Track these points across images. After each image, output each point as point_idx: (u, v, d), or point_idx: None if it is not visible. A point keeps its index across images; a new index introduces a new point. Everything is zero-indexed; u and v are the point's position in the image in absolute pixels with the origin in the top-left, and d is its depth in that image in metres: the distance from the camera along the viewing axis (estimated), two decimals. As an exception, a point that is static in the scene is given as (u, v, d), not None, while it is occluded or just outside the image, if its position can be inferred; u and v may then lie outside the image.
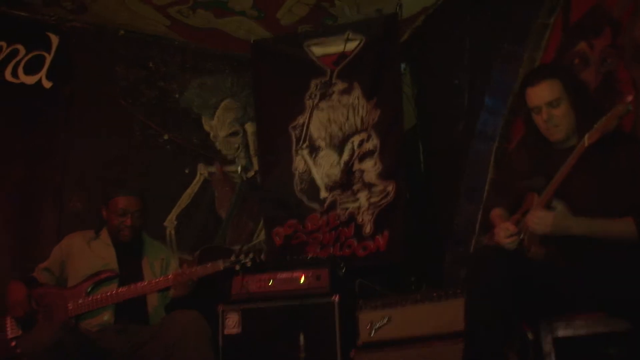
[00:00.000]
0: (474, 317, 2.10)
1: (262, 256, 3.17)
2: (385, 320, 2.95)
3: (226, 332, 3.40)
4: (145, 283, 3.06)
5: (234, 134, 4.66)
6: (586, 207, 2.21)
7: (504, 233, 2.42)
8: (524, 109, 2.49)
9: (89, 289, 3.02)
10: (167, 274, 3.15)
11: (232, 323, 3.43)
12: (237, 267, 3.09)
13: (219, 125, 4.63)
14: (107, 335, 2.93)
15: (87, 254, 3.13)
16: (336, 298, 3.29)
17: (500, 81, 3.61)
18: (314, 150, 4.28)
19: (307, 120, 4.33)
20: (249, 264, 3.09)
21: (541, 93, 2.37)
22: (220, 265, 3.08)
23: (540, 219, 2.18)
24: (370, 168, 4.08)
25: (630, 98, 1.92)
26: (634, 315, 2.07)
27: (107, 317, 3.00)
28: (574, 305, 2.20)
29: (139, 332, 2.97)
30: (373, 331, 2.95)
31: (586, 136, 2.08)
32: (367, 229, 3.95)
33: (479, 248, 2.36)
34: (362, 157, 4.12)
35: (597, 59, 3.07)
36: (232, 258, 3.09)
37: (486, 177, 3.68)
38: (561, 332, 2.19)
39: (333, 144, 4.25)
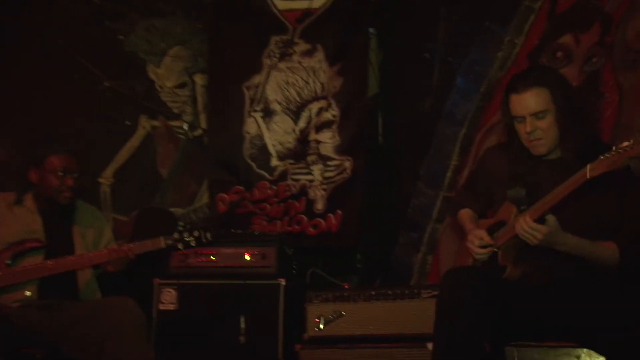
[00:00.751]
0: (445, 338, 1.93)
1: (209, 235, 2.89)
2: (336, 315, 2.76)
3: (161, 307, 3.17)
4: (76, 257, 2.75)
5: (181, 85, 4.26)
6: (572, 226, 2.06)
7: (478, 242, 2.27)
8: (505, 114, 2.28)
9: (9, 260, 2.68)
10: (100, 247, 2.84)
11: (168, 298, 3.18)
12: (180, 246, 2.81)
13: (166, 74, 4.22)
14: (29, 313, 2.62)
15: (8, 219, 2.77)
16: (282, 281, 3.10)
17: (476, 62, 3.39)
18: (268, 113, 3.96)
19: (263, 81, 3.99)
20: (193, 244, 2.83)
21: (527, 102, 2.16)
22: (162, 242, 2.80)
23: (533, 230, 2.02)
24: (327, 139, 3.81)
25: None
26: (604, 351, 1.96)
27: (29, 292, 2.68)
28: (543, 332, 2.08)
29: (67, 310, 2.67)
30: (322, 325, 2.76)
31: (588, 167, 1.88)
32: (320, 205, 3.72)
33: (453, 269, 2.18)
34: (320, 127, 3.84)
35: (582, 55, 2.90)
36: (175, 235, 2.81)
37: (449, 164, 3.49)
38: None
39: (289, 109, 3.94)
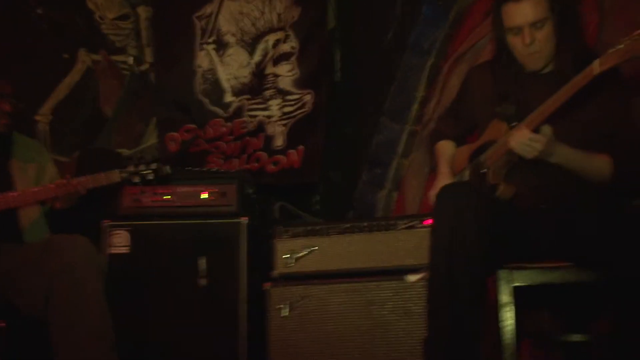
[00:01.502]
0: (444, 256, 1.79)
1: (168, 168, 2.62)
2: (307, 251, 2.56)
3: (112, 251, 2.89)
4: (19, 193, 2.43)
5: (124, 17, 3.89)
6: (564, 140, 1.92)
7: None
8: (497, 27, 2.10)
9: None
10: (43, 183, 2.53)
11: (119, 241, 2.91)
12: (137, 180, 2.53)
13: (107, 4, 3.83)
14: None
15: None
16: (245, 219, 2.88)
17: (443, -9, 3.20)
18: (221, 46, 3.66)
19: (215, 11, 3.68)
20: (151, 177, 2.55)
21: (525, 11, 1.98)
22: (116, 175, 2.52)
23: (531, 141, 1.87)
24: (285, 73, 3.56)
25: None
26: (598, 267, 1.86)
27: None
28: (538, 253, 1.95)
29: (9, 252, 2.36)
30: (293, 261, 2.57)
31: (597, 61, 1.72)
32: (279, 141, 3.49)
33: (449, 185, 2.01)
34: (278, 60, 3.58)
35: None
36: (131, 168, 2.53)
37: (416, 96, 3.32)
38: (519, 282, 1.93)
39: (244, 41, 3.66)
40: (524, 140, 1.87)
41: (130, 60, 3.77)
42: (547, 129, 1.88)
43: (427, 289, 1.86)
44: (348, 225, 2.59)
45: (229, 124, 3.60)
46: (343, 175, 3.58)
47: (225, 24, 3.66)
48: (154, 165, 2.58)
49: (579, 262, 1.91)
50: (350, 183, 3.55)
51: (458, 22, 3.16)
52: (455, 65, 3.15)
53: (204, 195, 2.97)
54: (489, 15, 2.90)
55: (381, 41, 3.51)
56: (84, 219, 2.76)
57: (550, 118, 1.88)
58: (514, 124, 1.97)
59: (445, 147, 2.40)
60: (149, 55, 3.83)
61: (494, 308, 1.95)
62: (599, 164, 1.96)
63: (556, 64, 2.06)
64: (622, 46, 1.64)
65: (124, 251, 2.89)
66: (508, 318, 1.89)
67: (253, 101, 3.60)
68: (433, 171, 3.17)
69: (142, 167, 2.55)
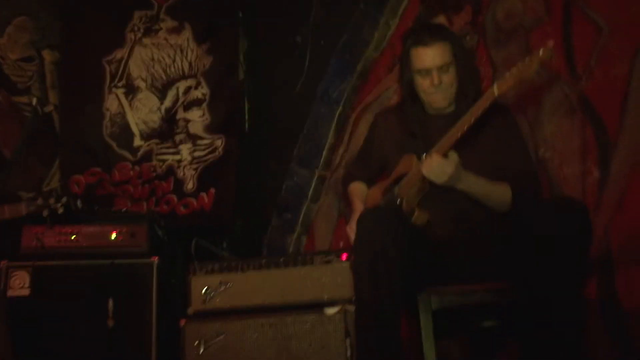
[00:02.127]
0: (369, 279, 1.83)
1: (79, 202, 2.52)
2: (222, 287, 2.52)
3: (10, 294, 2.70)
4: None
5: (28, 59, 3.76)
6: (470, 168, 2.07)
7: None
8: (405, 70, 2.26)
9: None
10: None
11: (19, 283, 2.73)
12: (45, 214, 2.41)
13: (10, 45, 3.70)
14: None
15: None
16: (155, 259, 2.81)
17: (351, 43, 3.37)
18: (131, 90, 3.63)
19: (126, 56, 3.66)
20: (59, 211, 2.45)
21: (433, 55, 2.16)
22: (22, 209, 2.39)
23: (441, 165, 1.99)
24: (197, 118, 3.58)
25: (552, 44, 1.79)
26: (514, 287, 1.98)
27: None
28: (454, 276, 2.04)
29: None
30: (208, 298, 2.51)
31: (495, 85, 1.90)
32: (190, 185, 3.46)
33: (369, 210, 2.08)
34: (189, 106, 3.60)
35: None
36: (39, 201, 2.40)
37: (325, 143, 3.42)
38: (436, 305, 2.00)
39: (155, 87, 3.65)
40: (434, 164, 2.00)
41: (34, 101, 3.62)
42: (454, 155, 2.01)
43: (355, 313, 1.89)
44: (263, 260, 2.58)
45: (137, 167, 3.53)
46: (252, 220, 3.59)
47: (135, 69, 3.65)
48: (64, 200, 2.47)
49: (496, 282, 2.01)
50: (259, 228, 3.56)
51: (365, 74, 3.32)
52: (363, 114, 3.29)
53: (113, 235, 2.88)
54: (392, 69, 3.21)
55: (290, 91, 3.64)
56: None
57: (457, 143, 2.02)
58: (424, 154, 2.10)
59: (358, 187, 2.49)
60: (53, 97, 3.71)
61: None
62: (500, 192, 2.10)
63: (457, 105, 2.23)
64: (515, 70, 1.83)
65: (24, 293, 2.71)
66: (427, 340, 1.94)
67: (162, 145, 3.57)
68: (342, 215, 3.32)
69: (51, 200, 2.44)
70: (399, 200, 2.15)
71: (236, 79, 3.69)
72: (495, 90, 1.90)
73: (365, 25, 3.32)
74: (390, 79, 3.20)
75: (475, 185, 2.07)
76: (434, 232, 2.10)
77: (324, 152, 3.44)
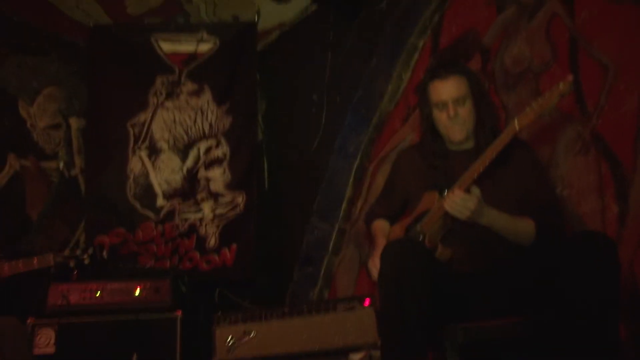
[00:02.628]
0: (396, 312, 1.84)
1: (104, 253, 2.57)
2: (247, 337, 2.52)
3: (36, 351, 2.71)
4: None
5: (55, 126, 3.93)
6: (492, 203, 2.09)
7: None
8: (424, 105, 2.34)
9: None
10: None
11: (44, 341, 2.75)
12: (72, 264, 2.47)
13: (39, 113, 3.88)
14: None
15: None
16: (179, 313, 2.83)
17: (366, 97, 3.48)
18: (154, 152, 3.75)
19: (149, 118, 3.80)
20: (86, 261, 2.51)
21: (449, 88, 2.24)
22: (50, 259, 2.44)
23: (464, 201, 2.01)
24: (218, 177, 3.67)
25: (570, 77, 1.83)
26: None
27: None
28: (477, 312, 2.03)
29: None
30: (233, 348, 2.51)
31: (516, 119, 1.95)
32: (212, 242, 3.51)
33: (394, 242, 2.09)
34: (209, 165, 3.70)
35: (467, 82, 3.08)
36: (66, 252, 2.46)
37: (344, 196, 3.48)
38: (463, 338, 1.98)
39: (177, 148, 3.77)
40: (457, 200, 2.02)
41: (61, 165, 3.75)
42: (476, 190, 2.04)
43: (380, 339, 1.88)
44: (286, 309, 2.59)
45: (160, 226, 3.60)
46: (274, 275, 3.61)
47: (158, 131, 3.78)
48: (90, 250, 2.52)
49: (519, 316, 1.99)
50: (281, 283, 3.57)
51: (380, 126, 3.41)
52: (380, 165, 3.36)
53: (137, 291, 2.91)
54: (407, 120, 3.29)
55: (308, 147, 3.73)
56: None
57: (479, 179, 2.05)
58: (446, 191, 2.13)
59: (381, 225, 2.50)
60: (79, 162, 3.84)
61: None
62: (523, 226, 2.10)
63: (476, 140, 2.27)
64: (535, 104, 1.87)
65: (49, 351, 2.73)
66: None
67: (185, 204, 3.64)
68: (364, 266, 3.32)
69: (77, 251, 2.49)
70: (421, 236, 2.17)
71: (255, 137, 3.79)
72: (517, 124, 1.95)
73: (379, 79, 3.43)
74: (406, 130, 3.28)
75: (498, 220, 2.07)
76: (457, 268, 2.10)
77: (343, 205, 3.49)
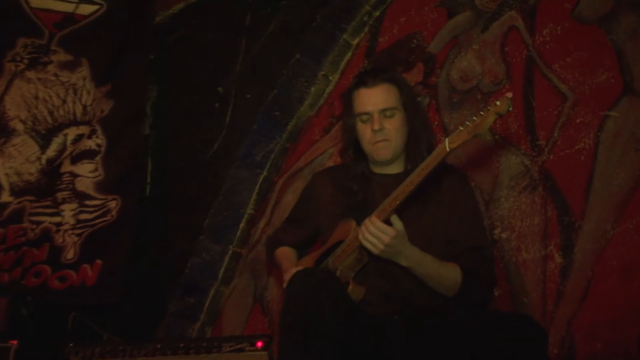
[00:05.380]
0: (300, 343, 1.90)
1: None
2: (105, 376, 2.48)
3: None
4: None
5: None
6: (417, 236, 2.18)
7: None
8: (347, 115, 2.43)
9: None
10: None
11: None
12: None
13: None
14: None
15: None
16: (14, 343, 2.75)
17: (283, 98, 3.54)
18: (5, 133, 3.62)
19: (2, 90, 3.67)
20: None
21: (376, 97, 2.33)
22: None
23: (379, 230, 2.06)
24: (87, 174, 3.59)
25: (510, 95, 1.95)
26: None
27: None
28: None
29: None
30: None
31: (447, 140, 2.03)
32: (70, 254, 3.42)
33: (302, 270, 2.13)
34: (78, 158, 3.61)
35: (404, 95, 3.21)
36: None
37: (243, 214, 3.50)
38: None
39: (36, 131, 3.66)
40: (371, 229, 2.07)
41: None
42: (398, 223, 2.08)
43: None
44: (159, 345, 2.57)
45: (1, 229, 3.48)
46: (146, 303, 3.56)
47: (13, 107, 3.66)
48: None
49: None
50: (154, 313, 3.52)
51: (296, 135, 3.48)
52: (291, 181, 3.43)
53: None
54: (330, 131, 3.38)
55: (205, 151, 3.72)
56: None
57: (402, 208, 2.12)
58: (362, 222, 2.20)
59: (287, 251, 2.56)
60: None
61: None
62: (448, 274, 2.19)
63: (405, 164, 2.38)
64: (469, 124, 1.98)
65: None
66: None
67: (39, 204, 3.54)
68: (258, 301, 3.36)
69: None
70: (333, 271, 2.23)
71: (141, 130, 3.74)
72: (447, 145, 2.03)
73: (301, 78, 3.50)
74: (326, 142, 3.37)
75: (420, 264, 2.15)
76: (369, 310, 2.18)
77: (241, 225, 3.50)
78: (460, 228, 2.27)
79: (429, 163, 2.06)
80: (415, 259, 2.14)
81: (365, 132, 2.35)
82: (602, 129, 2.54)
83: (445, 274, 2.19)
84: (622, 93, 2.55)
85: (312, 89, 3.47)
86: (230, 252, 3.49)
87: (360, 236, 2.13)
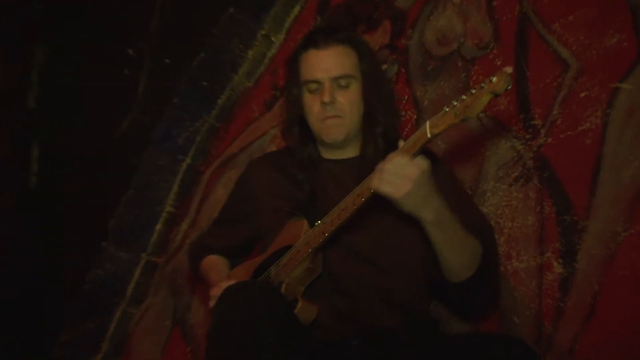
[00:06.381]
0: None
1: None
2: None
3: None
4: None
5: None
6: (390, 239, 2.28)
7: None
8: (292, 84, 2.48)
9: None
10: None
11: None
12: None
13: None
14: None
15: None
16: None
17: (212, 64, 3.58)
18: None
19: None
20: None
21: (328, 61, 2.38)
22: None
23: (404, 166, 2.02)
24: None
25: (509, 70, 1.96)
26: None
27: None
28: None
29: None
30: None
31: (428, 123, 2.01)
32: None
33: (237, 284, 2.16)
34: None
35: (366, 62, 3.25)
36: None
37: (160, 213, 3.54)
38: None
39: None
40: (394, 162, 2.01)
41: None
42: (422, 160, 2.04)
43: None
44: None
45: None
46: (29, 329, 3.55)
47: None
48: None
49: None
50: (41, 344, 3.52)
51: (229, 111, 3.52)
52: (222, 172, 3.47)
53: None
54: (272, 106, 3.41)
55: (110, 131, 3.72)
56: None
57: (372, 203, 2.12)
58: (318, 222, 2.24)
59: (217, 261, 2.60)
60: None
61: None
62: (472, 240, 2.21)
63: (363, 148, 2.42)
64: (456, 104, 1.97)
65: None
66: None
67: None
68: (178, 324, 3.37)
69: None
70: (277, 284, 2.28)
71: (22, 105, 3.73)
72: (428, 130, 2.03)
73: (235, 39, 3.53)
74: (268, 120, 3.42)
75: (448, 219, 2.12)
76: (321, 336, 2.23)
77: (157, 227, 3.55)
78: (458, 210, 2.25)
79: (405, 150, 2.06)
80: (442, 211, 2.12)
81: (312, 106, 2.39)
82: (612, 105, 2.57)
83: (469, 241, 2.21)
84: (636, 60, 2.59)
85: (250, 52, 3.50)
86: (142, 261, 3.53)
87: (374, 181, 2.06)
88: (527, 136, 2.74)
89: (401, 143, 2.07)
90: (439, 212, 2.10)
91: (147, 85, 3.73)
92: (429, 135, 2.02)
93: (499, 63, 2.81)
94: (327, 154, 2.47)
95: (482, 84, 1.95)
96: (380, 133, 2.41)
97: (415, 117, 3.03)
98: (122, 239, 3.59)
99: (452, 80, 2.96)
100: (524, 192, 2.72)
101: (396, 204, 2.05)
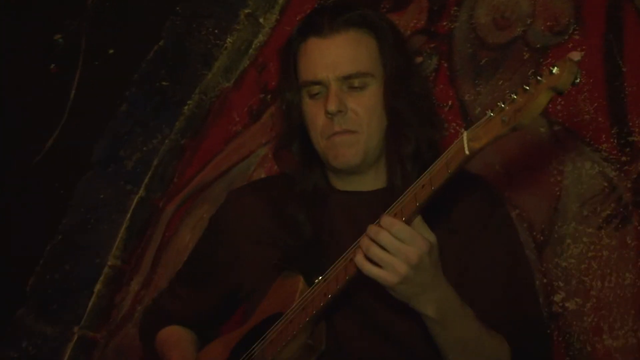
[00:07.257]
0: None
1: None
2: None
3: None
4: None
5: None
6: None
7: None
8: (287, 85, 2.43)
9: None
10: None
11: None
12: None
13: None
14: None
15: None
16: None
17: (175, 57, 3.59)
18: None
19: None
20: None
21: (335, 54, 2.34)
22: None
23: (402, 239, 1.97)
24: None
25: (576, 56, 1.89)
26: None
27: None
28: None
29: None
30: None
31: (465, 135, 1.96)
32: None
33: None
34: None
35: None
36: None
37: (103, 266, 3.52)
38: None
39: None
40: (384, 236, 1.96)
41: None
42: (426, 229, 2.00)
43: None
44: None
45: None
46: None
47: None
48: None
49: None
50: None
51: (199, 123, 3.55)
52: (189, 208, 3.49)
53: None
54: (261, 115, 3.41)
55: (33, 150, 3.72)
56: None
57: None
58: (318, 279, 2.21)
59: (180, 334, 2.59)
60: None
61: None
62: (494, 345, 2.19)
63: (389, 174, 2.36)
64: (504, 107, 1.89)
65: None
66: None
67: None
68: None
69: None
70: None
71: None
72: (466, 144, 1.98)
73: (208, 21, 3.55)
74: (255, 135, 3.41)
75: (457, 315, 2.12)
76: None
77: (97, 287, 3.55)
78: (490, 283, 2.29)
79: (434, 174, 2.03)
80: (450, 304, 2.11)
81: (315, 117, 2.36)
82: None
83: (489, 345, 2.20)
84: None
85: (229, 40, 3.52)
86: (75, 337, 3.53)
87: (357, 257, 2.02)
88: (623, 158, 2.73)
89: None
90: (444, 305, 2.09)
91: (81, 86, 3.72)
92: (467, 152, 1.91)
93: (578, 57, 2.79)
94: (340, 184, 2.43)
95: (539, 77, 1.86)
96: (410, 154, 2.36)
97: (461, 131, 3.02)
98: (45, 306, 3.58)
99: (514, 78, 2.95)
100: (620, 238, 2.71)
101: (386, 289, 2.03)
